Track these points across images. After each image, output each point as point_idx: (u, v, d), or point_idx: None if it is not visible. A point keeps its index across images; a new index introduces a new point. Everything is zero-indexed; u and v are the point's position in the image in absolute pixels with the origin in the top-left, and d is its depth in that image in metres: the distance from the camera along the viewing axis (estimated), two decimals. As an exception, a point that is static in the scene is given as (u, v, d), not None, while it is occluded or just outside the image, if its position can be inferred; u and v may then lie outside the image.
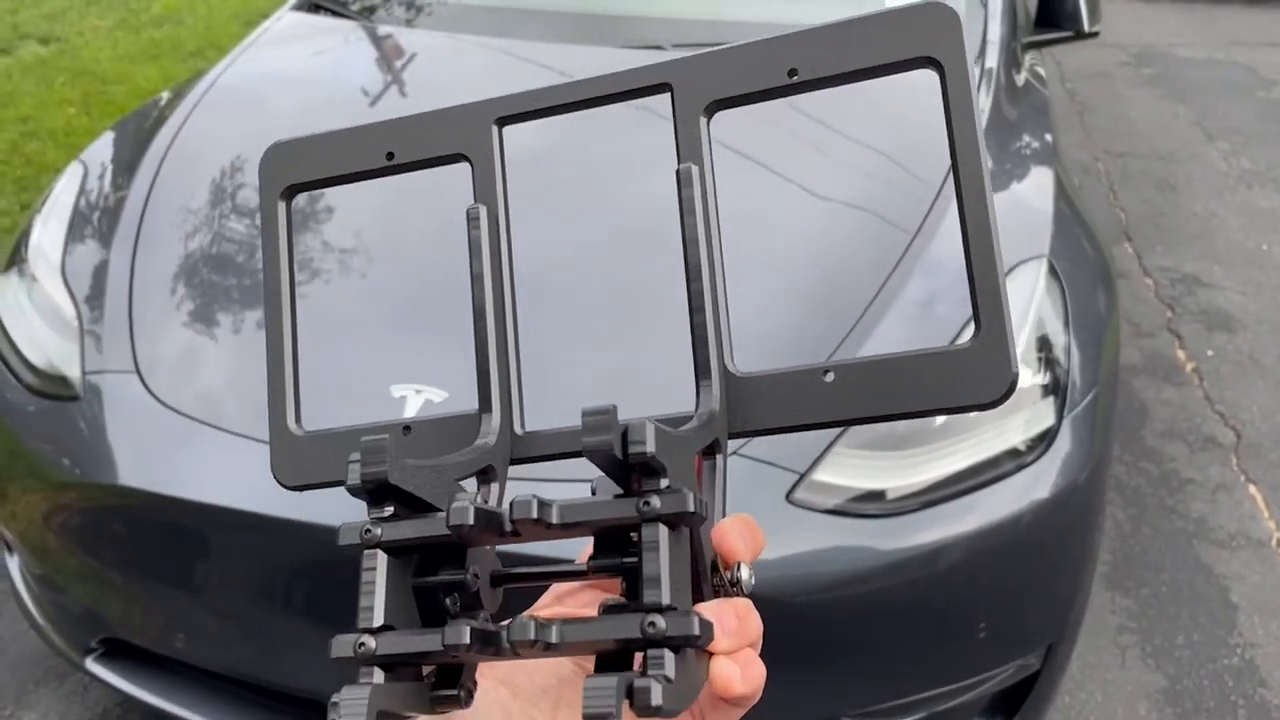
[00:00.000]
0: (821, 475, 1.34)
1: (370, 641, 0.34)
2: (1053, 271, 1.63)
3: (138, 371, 1.49)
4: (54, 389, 1.53)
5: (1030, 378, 1.50)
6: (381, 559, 0.35)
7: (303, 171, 0.45)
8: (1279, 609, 2.18)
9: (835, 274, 1.57)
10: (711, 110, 0.43)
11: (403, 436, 0.43)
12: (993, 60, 2.14)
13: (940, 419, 1.41)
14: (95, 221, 1.80)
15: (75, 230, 1.78)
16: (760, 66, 0.41)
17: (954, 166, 0.40)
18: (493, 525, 0.34)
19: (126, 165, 1.91)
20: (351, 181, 0.45)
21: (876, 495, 1.37)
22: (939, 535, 1.36)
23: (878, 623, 1.38)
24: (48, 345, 1.59)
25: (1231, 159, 4.58)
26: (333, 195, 1.73)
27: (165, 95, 2.26)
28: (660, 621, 0.33)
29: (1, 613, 2.10)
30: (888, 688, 1.43)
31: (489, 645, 0.33)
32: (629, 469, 0.34)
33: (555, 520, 0.34)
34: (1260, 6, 7.18)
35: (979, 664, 1.48)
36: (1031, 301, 1.55)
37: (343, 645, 0.35)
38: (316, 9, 2.48)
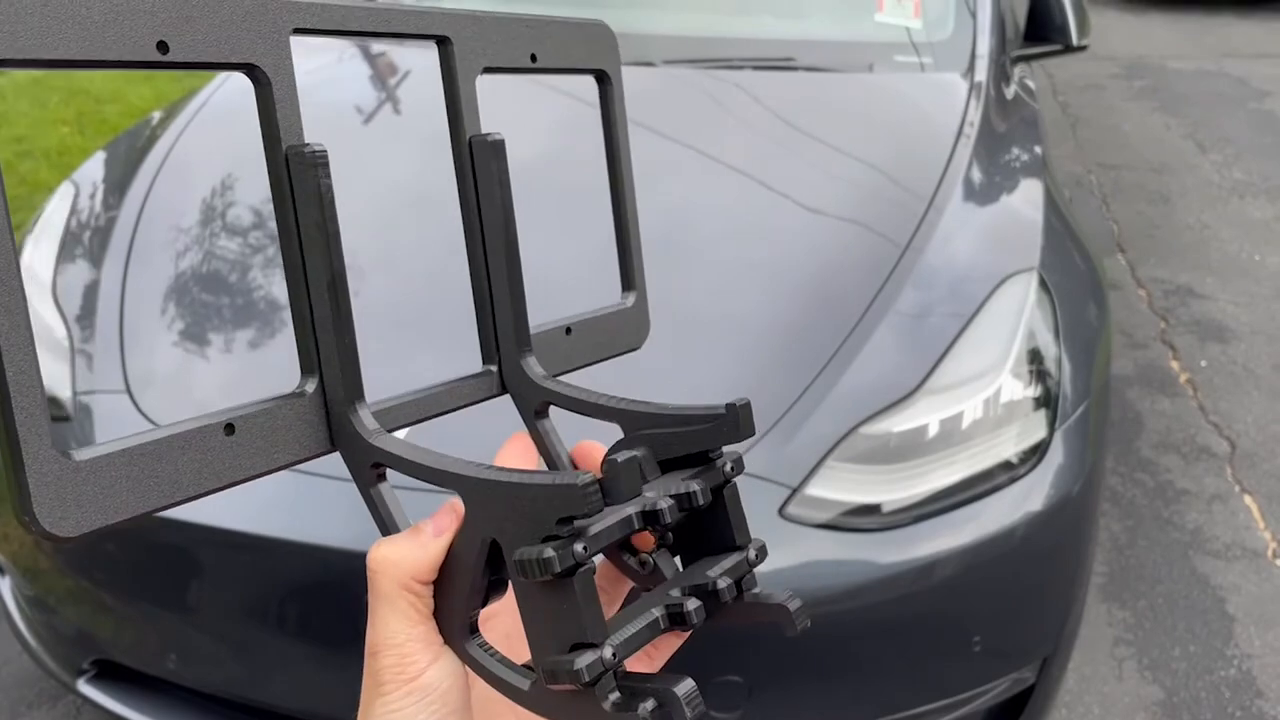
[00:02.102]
0: (814, 490, 1.34)
1: (608, 649, 0.35)
2: (1043, 284, 1.63)
3: (129, 391, 1.49)
4: (45, 409, 1.52)
5: (1021, 390, 1.50)
6: (592, 576, 0.36)
7: (15, 42, 0.31)
8: (1276, 619, 2.18)
9: (829, 286, 1.58)
10: (482, 73, 0.45)
11: (225, 439, 0.36)
12: (981, 74, 2.15)
13: (932, 432, 1.42)
14: (86, 241, 1.80)
15: (66, 250, 1.78)
16: (514, 42, 0.46)
17: (610, 164, 0.49)
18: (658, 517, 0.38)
19: (118, 185, 1.92)
20: (91, 68, 0.34)
21: (870, 509, 1.37)
22: (933, 548, 1.36)
23: (871, 637, 1.38)
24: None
25: (1224, 170, 4.60)
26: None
27: (157, 115, 2.27)
28: (759, 551, 0.41)
29: (-6, 634, 2.09)
30: (881, 703, 1.43)
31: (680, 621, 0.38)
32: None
33: (700, 503, 0.40)
34: (1252, 18, 7.22)
35: (974, 678, 1.48)
36: (1022, 314, 1.56)
37: (589, 664, 0.34)
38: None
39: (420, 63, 2.31)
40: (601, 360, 0.49)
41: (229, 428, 0.36)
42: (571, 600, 0.34)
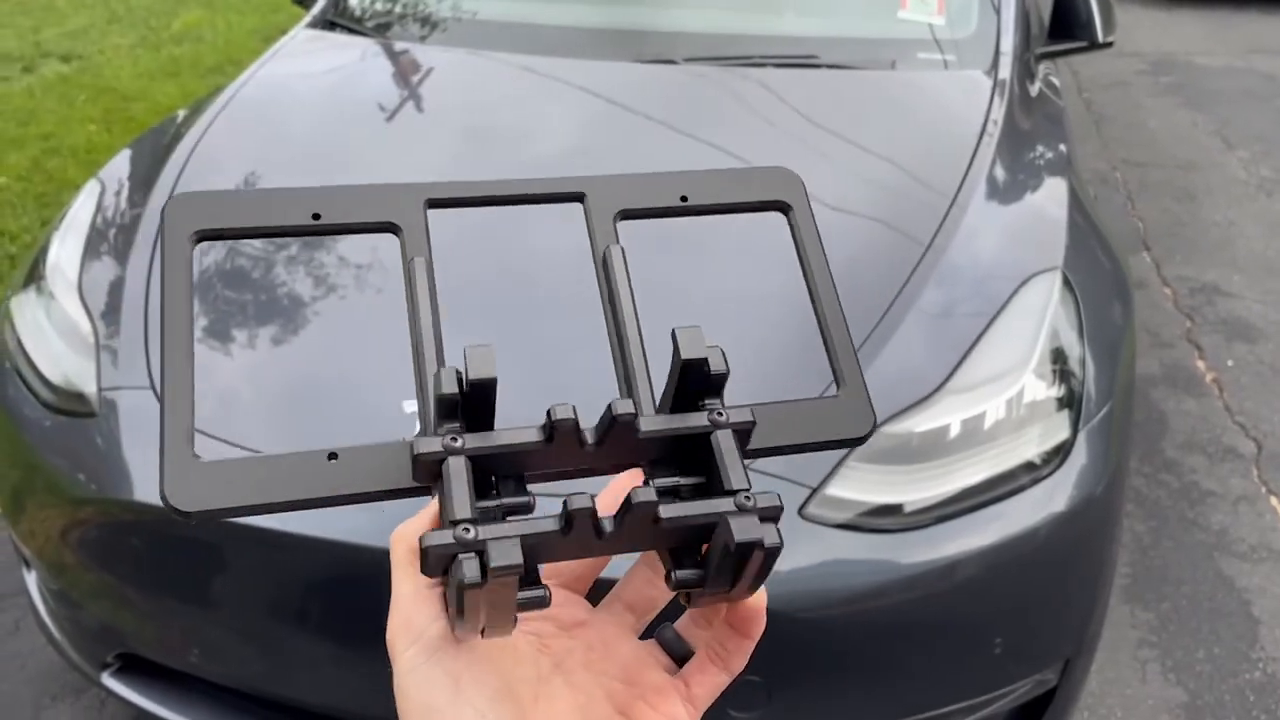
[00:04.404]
0: (834, 490, 1.34)
1: (471, 529, 0.37)
2: (1067, 283, 1.62)
3: (153, 388, 1.50)
4: (71, 405, 1.54)
5: (1044, 390, 1.49)
6: (463, 465, 0.39)
7: (217, 220, 0.45)
8: (1302, 622, 2.16)
9: (850, 284, 1.55)
10: (620, 217, 0.49)
11: (327, 463, 0.42)
12: (1005, 71, 2.14)
13: (954, 432, 1.41)
14: (112, 238, 1.82)
15: (92, 247, 1.80)
16: (661, 190, 0.50)
17: (807, 281, 0.50)
18: (580, 436, 0.40)
19: (143, 182, 1.93)
20: (271, 236, 0.46)
21: (890, 509, 1.36)
22: (954, 549, 1.35)
23: (892, 638, 1.37)
24: (65, 362, 1.60)
25: (1251, 167, 4.55)
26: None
27: (182, 112, 2.28)
28: (753, 496, 0.39)
29: (19, 628, 2.11)
30: (902, 705, 1.42)
31: (597, 525, 0.38)
32: (698, 388, 0.41)
33: (641, 429, 0.41)
34: (1280, 13, 7.14)
35: (995, 680, 1.47)
36: (1045, 314, 1.54)
37: (439, 536, 0.37)
38: (332, 26, 2.50)
39: (443, 59, 2.31)
40: (805, 448, 0.47)
41: (331, 455, 0.42)
42: (444, 487, 0.38)
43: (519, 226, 1.62)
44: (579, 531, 0.38)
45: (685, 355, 0.40)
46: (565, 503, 0.38)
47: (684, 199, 0.50)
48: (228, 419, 1.44)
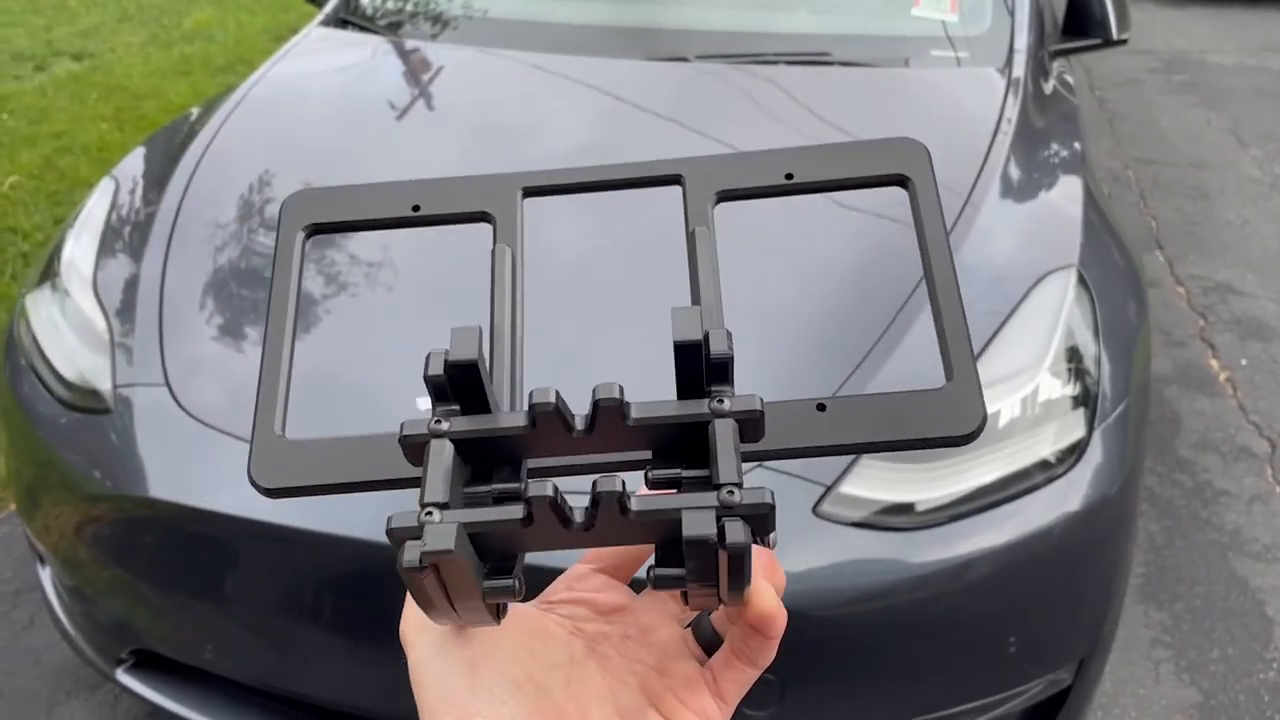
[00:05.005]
0: (848, 488, 1.33)
1: (436, 513, 0.35)
2: (1082, 281, 1.61)
3: (168, 384, 1.50)
4: (85, 402, 1.54)
5: (1060, 389, 1.48)
6: (447, 448, 0.37)
7: (328, 214, 0.47)
8: (1317, 623, 2.15)
9: (864, 283, 1.56)
10: (718, 199, 0.48)
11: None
12: (1019, 69, 2.13)
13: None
14: (126, 236, 1.82)
15: (107, 245, 1.80)
16: (764, 169, 0.49)
17: (924, 261, 0.46)
18: (566, 421, 0.38)
19: (157, 180, 1.93)
20: (376, 228, 0.48)
21: (905, 508, 1.35)
22: (968, 548, 1.35)
23: (905, 637, 1.37)
24: (79, 359, 1.60)
25: (1265, 166, 4.53)
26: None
27: (195, 110, 2.29)
28: (738, 492, 0.35)
29: (34, 624, 2.12)
30: (915, 704, 1.42)
31: (561, 515, 0.36)
32: (703, 372, 0.38)
33: (632, 416, 0.38)
34: (1293, 12, 7.10)
35: (1009, 679, 1.47)
36: (1060, 312, 1.54)
37: (404, 517, 0.35)
38: (344, 24, 2.50)
39: (454, 57, 2.31)
40: (901, 446, 0.42)
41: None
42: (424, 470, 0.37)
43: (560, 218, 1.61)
44: (543, 522, 0.36)
45: (677, 338, 0.38)
46: (524, 488, 0.36)
47: (789, 176, 0.48)
48: (235, 414, 1.44)
